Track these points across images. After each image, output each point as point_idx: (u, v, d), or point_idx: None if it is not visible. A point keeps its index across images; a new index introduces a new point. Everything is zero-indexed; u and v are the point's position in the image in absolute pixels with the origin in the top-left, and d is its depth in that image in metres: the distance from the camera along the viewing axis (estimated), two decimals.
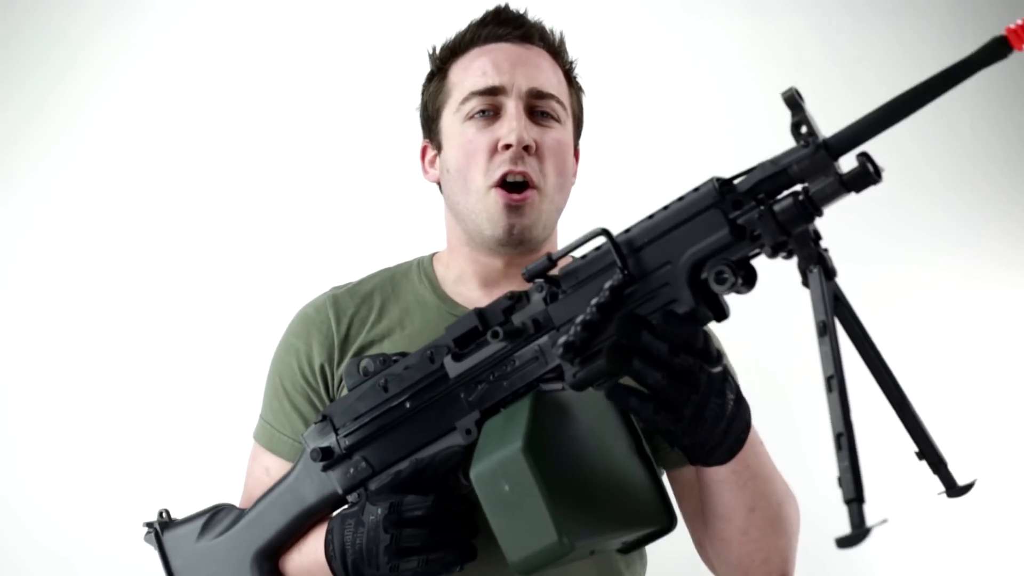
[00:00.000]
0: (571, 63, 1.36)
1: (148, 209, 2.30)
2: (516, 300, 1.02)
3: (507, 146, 1.23)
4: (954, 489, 0.95)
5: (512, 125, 1.23)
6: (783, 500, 1.14)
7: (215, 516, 1.25)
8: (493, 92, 1.26)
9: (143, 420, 2.21)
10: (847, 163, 0.85)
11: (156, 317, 2.26)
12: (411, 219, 2.06)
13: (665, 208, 0.93)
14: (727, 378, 0.95)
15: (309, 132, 2.33)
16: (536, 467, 0.93)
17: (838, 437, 0.77)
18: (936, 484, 0.95)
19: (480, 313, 1.03)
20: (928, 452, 0.94)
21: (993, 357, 2.25)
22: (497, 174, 1.23)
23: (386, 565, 1.06)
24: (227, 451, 1.70)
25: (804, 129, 0.84)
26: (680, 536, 1.21)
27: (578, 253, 0.99)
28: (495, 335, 1.00)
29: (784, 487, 1.16)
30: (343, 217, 2.28)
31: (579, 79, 1.38)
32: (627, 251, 0.93)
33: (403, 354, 1.13)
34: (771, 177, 0.86)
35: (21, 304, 2.27)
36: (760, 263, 0.90)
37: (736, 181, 0.90)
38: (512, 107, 1.25)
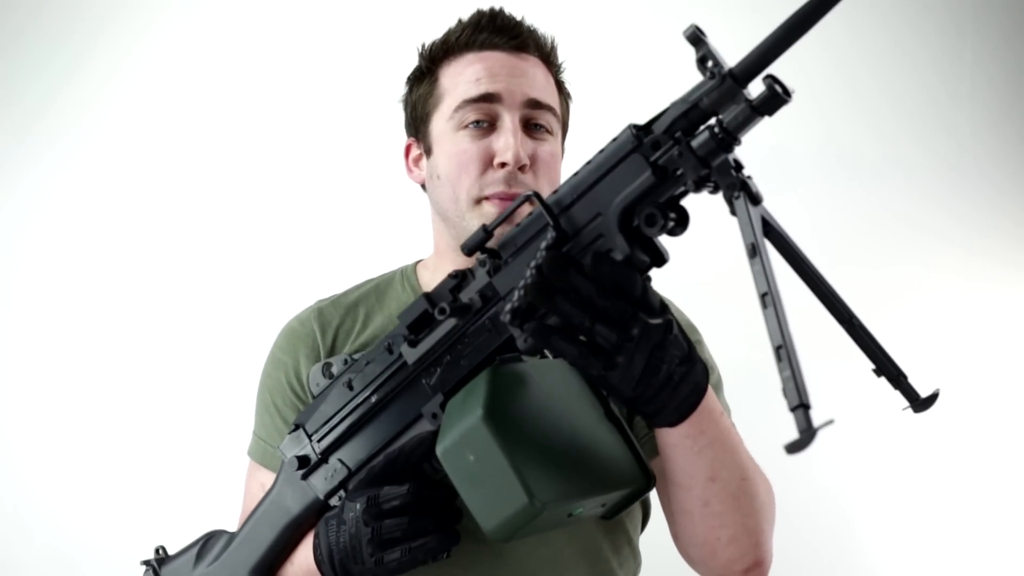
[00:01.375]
0: (560, 66, 1.36)
1: (147, 214, 2.32)
2: (461, 278, 1.02)
3: (503, 164, 1.23)
4: (917, 402, 0.94)
5: (509, 141, 1.23)
6: (749, 475, 1.09)
7: (207, 543, 1.25)
8: (488, 99, 1.25)
9: (145, 419, 2.22)
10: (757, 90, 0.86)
11: (157, 319, 2.27)
12: (402, 225, 2.06)
13: (588, 163, 0.94)
14: (672, 334, 0.93)
15: (306, 141, 2.34)
16: (498, 433, 0.93)
17: (777, 349, 0.76)
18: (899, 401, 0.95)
19: (428, 296, 1.03)
20: (885, 367, 0.93)
21: (993, 358, 2.25)
22: (488, 191, 1.24)
23: (370, 559, 1.05)
24: (227, 447, 1.70)
25: (710, 63, 0.85)
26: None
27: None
28: (442, 312, 1.00)
29: (751, 463, 1.12)
30: (339, 225, 2.29)
31: (568, 82, 1.38)
32: (558, 210, 0.94)
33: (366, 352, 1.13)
34: (684, 114, 0.87)
35: (23, 305, 2.29)
36: None
37: (652, 124, 0.90)
38: (508, 121, 1.25)
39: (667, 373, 0.93)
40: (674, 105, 0.88)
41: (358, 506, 1.07)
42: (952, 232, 2.30)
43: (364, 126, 2.29)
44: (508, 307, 0.92)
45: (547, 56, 1.33)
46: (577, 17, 2.28)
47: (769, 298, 0.79)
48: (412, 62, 1.38)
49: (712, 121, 0.87)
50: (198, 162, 2.33)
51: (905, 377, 0.94)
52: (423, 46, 1.35)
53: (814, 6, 0.81)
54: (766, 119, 0.85)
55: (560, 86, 1.36)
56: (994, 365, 2.25)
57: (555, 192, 0.95)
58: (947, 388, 2.13)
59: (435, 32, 1.35)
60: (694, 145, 0.86)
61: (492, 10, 1.32)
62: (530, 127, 1.28)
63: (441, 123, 1.30)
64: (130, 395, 2.23)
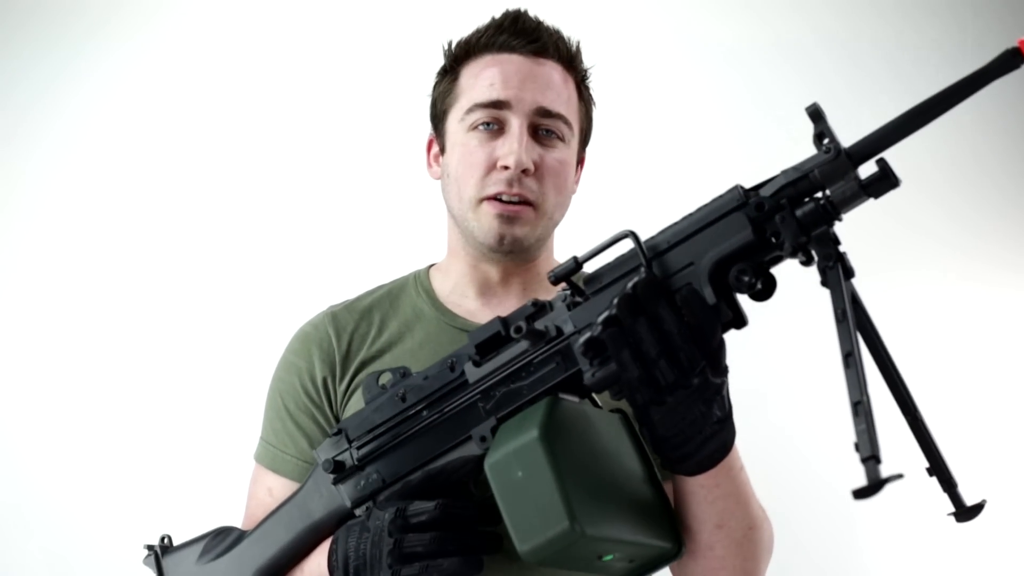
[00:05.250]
0: (585, 72, 1.37)
1: (155, 216, 2.31)
2: (539, 308, 1.04)
3: (505, 167, 1.26)
4: (962, 511, 0.95)
5: (512, 147, 1.25)
6: (756, 525, 1.14)
7: (216, 538, 1.23)
8: (498, 106, 1.27)
9: (149, 421, 2.20)
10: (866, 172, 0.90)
11: (164, 322, 2.26)
12: (412, 229, 2.09)
13: (689, 215, 0.97)
14: (722, 394, 0.97)
15: (314, 139, 2.34)
16: (551, 454, 0.93)
17: (855, 405, 0.79)
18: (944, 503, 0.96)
19: (503, 320, 1.05)
20: (940, 470, 0.95)
21: (994, 360, 2.26)
22: (490, 191, 1.27)
23: (387, 570, 1.03)
24: (230, 451, 1.69)
25: (826, 140, 0.90)
26: None
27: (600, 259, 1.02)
28: (517, 331, 1.01)
29: (759, 513, 1.16)
30: (347, 225, 2.29)
31: (592, 85, 1.39)
32: (652, 255, 0.96)
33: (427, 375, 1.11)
34: (793, 183, 0.91)
35: (22, 304, 2.27)
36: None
37: (760, 188, 0.94)
38: (516, 126, 1.27)
39: (701, 427, 0.96)
40: (784, 173, 0.92)
41: (386, 516, 1.06)
42: (952, 234, 2.31)
43: (373, 130, 2.31)
44: (584, 337, 0.94)
45: (568, 61, 1.34)
46: (600, 15, 2.33)
47: (852, 359, 0.82)
48: (424, 66, 1.41)
49: (819, 195, 0.91)
50: (207, 163, 2.33)
51: (956, 485, 0.95)
52: (449, 44, 1.37)
53: (936, 101, 0.87)
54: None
55: (581, 91, 1.37)
56: (996, 367, 2.25)
57: (652, 237, 0.98)
58: (946, 390, 2.15)
59: (444, 34, 1.38)
60: (799, 214, 0.90)
61: (515, 12, 1.34)
62: (539, 133, 1.29)
63: (455, 123, 1.32)
64: (134, 397, 2.21)
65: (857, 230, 2.15)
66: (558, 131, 1.30)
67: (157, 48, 2.36)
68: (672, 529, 1.06)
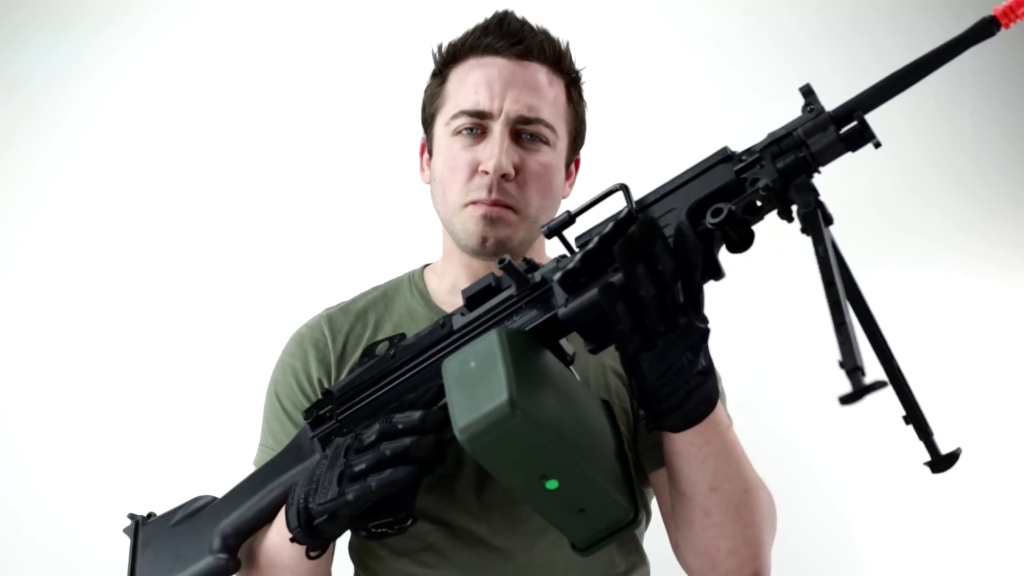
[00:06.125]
0: (576, 73, 1.36)
1: (152, 220, 2.31)
2: (532, 266, 1.05)
3: (485, 172, 1.26)
4: (938, 459, 0.97)
5: (493, 151, 1.25)
6: (751, 488, 1.12)
7: (193, 503, 1.24)
8: (480, 116, 1.27)
9: (146, 421, 2.19)
10: None
11: (162, 325, 2.25)
12: (406, 230, 2.09)
13: (679, 176, 0.99)
14: (706, 343, 0.96)
15: (311, 141, 2.34)
16: (507, 349, 0.93)
17: (839, 327, 0.81)
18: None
19: (496, 276, 1.06)
20: (915, 418, 0.97)
21: (991, 359, 2.26)
22: (472, 197, 1.27)
23: (336, 488, 1.01)
24: (228, 451, 1.69)
25: (811, 106, 0.94)
26: None
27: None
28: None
29: (754, 477, 1.14)
30: (343, 226, 2.29)
31: (584, 75, 1.37)
32: (639, 207, 0.98)
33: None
34: (777, 140, 0.94)
35: (21, 305, 2.26)
36: None
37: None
38: (497, 132, 1.26)
39: (687, 377, 0.95)
40: (770, 134, 0.96)
41: (344, 441, 1.06)
42: (949, 234, 2.32)
43: (368, 131, 2.32)
44: (567, 267, 0.96)
45: (555, 62, 1.33)
46: (593, 11, 2.33)
47: (834, 289, 0.84)
48: (419, 68, 1.42)
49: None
50: (206, 165, 2.33)
51: (932, 433, 0.97)
52: (439, 47, 1.36)
53: (914, 67, 0.91)
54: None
55: (570, 93, 1.35)
56: (992, 365, 2.24)
57: (643, 196, 1.00)
58: (945, 389, 2.14)
59: (443, 35, 1.37)
60: (779, 165, 0.94)
61: (502, 13, 1.33)
62: (522, 137, 1.28)
63: (441, 127, 1.33)
64: (133, 400, 2.20)
65: (856, 231, 2.21)
66: (541, 135, 1.29)
67: (161, 46, 2.38)
68: (631, 494, 1.00)
